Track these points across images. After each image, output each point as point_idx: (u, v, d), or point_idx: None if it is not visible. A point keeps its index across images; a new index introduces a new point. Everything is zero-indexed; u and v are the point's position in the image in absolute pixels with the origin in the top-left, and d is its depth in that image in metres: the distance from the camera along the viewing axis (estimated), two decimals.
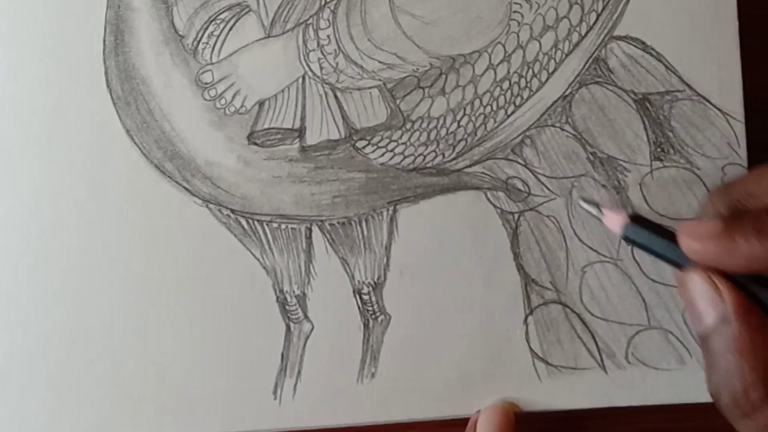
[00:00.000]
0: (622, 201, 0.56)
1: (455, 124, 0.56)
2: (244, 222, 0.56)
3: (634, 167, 0.56)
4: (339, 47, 0.56)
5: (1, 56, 0.56)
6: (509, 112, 0.56)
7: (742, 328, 0.45)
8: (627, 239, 0.52)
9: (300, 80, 0.56)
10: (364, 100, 0.56)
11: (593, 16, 0.56)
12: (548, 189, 0.56)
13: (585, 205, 0.54)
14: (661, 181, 0.56)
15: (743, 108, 0.56)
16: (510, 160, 0.56)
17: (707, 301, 0.46)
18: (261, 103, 0.56)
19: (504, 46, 0.56)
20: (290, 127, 0.56)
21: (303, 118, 0.56)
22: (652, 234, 0.51)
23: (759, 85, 0.57)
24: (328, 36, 0.56)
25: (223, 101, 0.56)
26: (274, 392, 0.56)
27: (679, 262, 0.49)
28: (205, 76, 0.56)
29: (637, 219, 0.52)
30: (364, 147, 0.56)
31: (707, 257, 0.46)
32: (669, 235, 0.50)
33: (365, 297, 0.56)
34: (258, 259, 0.56)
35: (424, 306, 0.56)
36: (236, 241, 0.56)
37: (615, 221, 0.52)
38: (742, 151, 0.56)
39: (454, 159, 0.56)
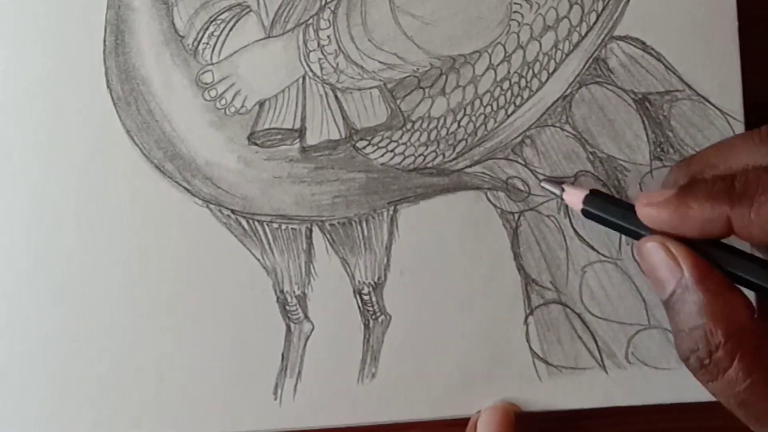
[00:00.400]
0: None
1: (455, 125, 0.56)
2: (244, 222, 0.56)
3: (634, 167, 0.56)
4: (339, 47, 0.56)
5: (1, 56, 0.56)
6: (509, 112, 0.56)
7: (701, 293, 0.46)
8: (586, 212, 0.52)
9: (300, 80, 0.56)
10: (365, 100, 0.56)
11: (593, 16, 0.56)
12: (548, 189, 0.56)
13: (546, 185, 0.55)
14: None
15: (743, 108, 0.56)
16: (510, 160, 0.56)
17: (666, 269, 0.47)
18: (261, 104, 0.56)
19: (504, 47, 0.56)
20: (290, 127, 0.56)
21: (303, 119, 0.56)
22: (611, 206, 0.52)
23: (759, 86, 0.57)
24: (328, 36, 0.56)
25: (223, 101, 0.56)
26: (275, 392, 0.56)
27: (639, 233, 0.49)
28: (206, 76, 0.56)
29: (596, 193, 0.52)
30: (364, 147, 0.56)
31: (663, 223, 0.47)
32: (628, 207, 0.50)
33: (365, 297, 0.56)
34: (258, 260, 0.56)
35: (424, 306, 0.56)
36: (237, 242, 0.56)
37: (574, 197, 0.53)
38: None
39: (454, 159, 0.56)
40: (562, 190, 0.54)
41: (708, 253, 0.47)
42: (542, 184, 0.55)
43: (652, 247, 0.48)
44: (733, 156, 0.47)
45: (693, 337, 0.46)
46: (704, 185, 0.46)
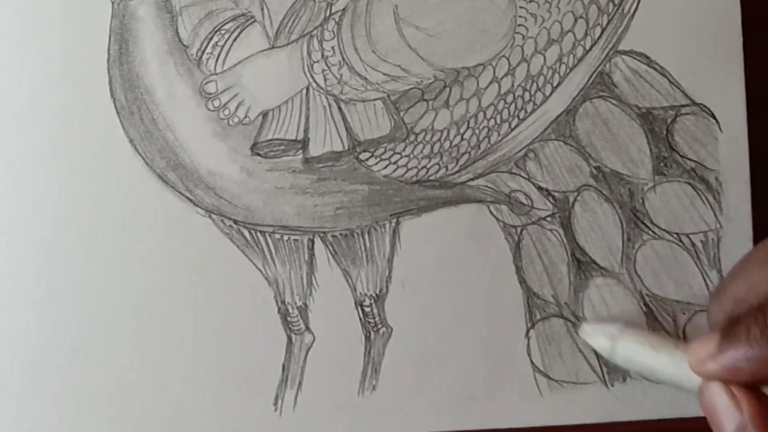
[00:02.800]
0: (625, 215, 0.56)
1: (459, 137, 0.56)
2: (246, 233, 0.56)
3: (637, 181, 0.56)
4: (343, 59, 0.56)
5: (5, 64, 0.56)
6: (513, 126, 0.56)
7: None
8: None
9: (304, 91, 0.56)
10: (368, 111, 0.56)
11: (598, 30, 0.56)
12: (551, 203, 0.56)
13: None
14: (664, 196, 0.56)
15: (746, 123, 0.56)
16: (513, 173, 0.56)
17: (725, 411, 0.46)
18: (264, 114, 0.56)
19: (508, 60, 0.56)
20: (293, 138, 0.56)
21: (306, 130, 0.56)
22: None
23: (759, 86, 0.57)
24: (332, 47, 0.56)
25: (226, 111, 0.56)
26: (275, 403, 0.55)
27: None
28: (209, 86, 0.56)
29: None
30: (367, 159, 0.56)
31: (716, 376, 0.46)
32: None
33: (367, 309, 0.56)
34: (260, 270, 0.56)
35: (425, 319, 0.56)
36: (238, 252, 0.56)
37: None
38: (745, 166, 0.56)
39: (457, 172, 0.56)
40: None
41: None
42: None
43: (714, 389, 0.47)
44: (755, 283, 0.46)
45: None
46: (741, 330, 0.45)
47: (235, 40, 0.56)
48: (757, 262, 0.47)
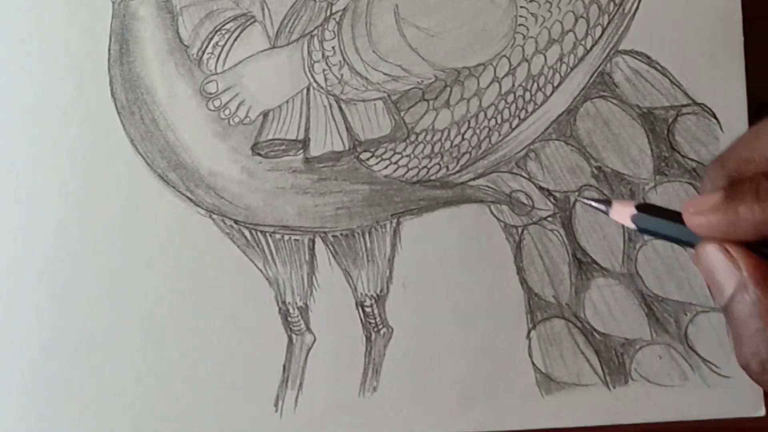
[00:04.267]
0: None
1: (459, 137, 0.56)
2: (247, 233, 0.56)
3: (638, 181, 0.56)
4: (344, 58, 0.56)
5: (6, 64, 0.56)
6: (514, 126, 0.56)
7: (761, 293, 0.45)
8: (639, 228, 0.51)
9: (304, 91, 0.56)
10: (369, 111, 0.56)
11: (599, 30, 0.56)
12: (552, 203, 0.56)
13: (592, 202, 0.54)
14: (665, 196, 0.56)
15: (748, 124, 0.56)
16: (514, 173, 0.56)
17: (724, 271, 0.46)
18: (265, 114, 0.56)
19: (509, 60, 0.56)
20: (294, 138, 0.56)
21: (307, 130, 0.56)
22: (660, 219, 0.50)
23: (760, 86, 0.57)
24: (333, 47, 0.56)
25: (227, 111, 0.56)
26: (276, 404, 0.55)
27: (693, 242, 0.48)
28: (210, 86, 0.56)
29: (643, 207, 0.51)
30: (368, 159, 0.56)
31: (714, 230, 0.46)
32: (677, 217, 0.49)
33: (368, 309, 0.56)
34: (261, 270, 0.56)
35: (426, 319, 0.56)
36: (239, 252, 0.56)
37: (623, 213, 0.51)
38: None
39: (458, 172, 0.56)
40: (609, 205, 0.53)
41: (764, 252, 0.47)
42: (586, 201, 0.55)
43: (710, 250, 0.46)
44: (764, 145, 0.47)
45: (754, 341, 0.45)
46: (749, 186, 0.45)
47: (235, 40, 0.56)
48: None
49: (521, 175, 0.56)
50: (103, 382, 0.55)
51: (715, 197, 0.45)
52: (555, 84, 0.56)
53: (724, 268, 0.45)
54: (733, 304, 0.45)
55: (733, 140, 0.48)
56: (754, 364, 0.44)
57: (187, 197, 0.56)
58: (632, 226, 0.50)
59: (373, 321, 0.56)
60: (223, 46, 0.56)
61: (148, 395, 0.55)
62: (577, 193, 0.56)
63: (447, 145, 0.56)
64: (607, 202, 0.52)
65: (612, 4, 0.56)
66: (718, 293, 0.46)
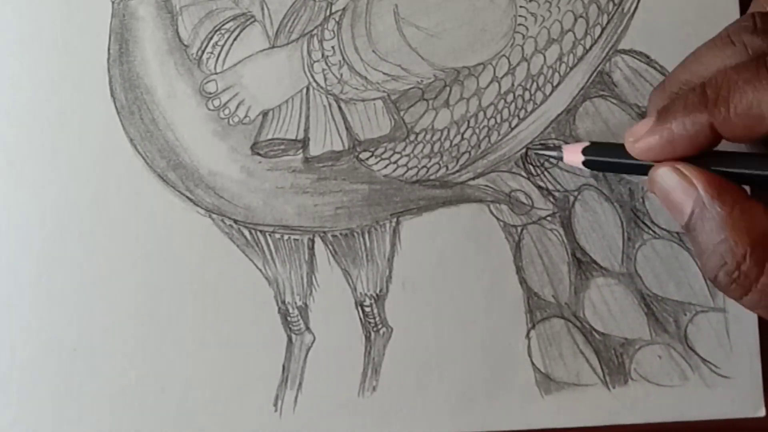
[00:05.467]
0: (626, 214, 0.56)
1: (459, 137, 0.56)
2: (246, 232, 0.56)
3: (637, 180, 0.56)
4: (343, 58, 0.56)
5: (5, 64, 0.56)
6: (513, 125, 0.56)
7: (719, 207, 0.45)
8: (589, 166, 0.52)
9: (304, 91, 0.56)
10: (368, 111, 0.56)
11: (598, 29, 0.56)
12: (551, 202, 0.56)
13: (542, 151, 0.55)
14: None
15: None
16: (513, 173, 0.56)
17: (681, 191, 0.46)
18: (265, 114, 0.56)
19: (508, 59, 0.56)
20: (294, 137, 0.56)
21: (307, 129, 0.56)
22: (610, 151, 0.51)
23: None
24: (332, 47, 0.56)
25: (226, 111, 0.56)
26: (275, 404, 0.55)
27: (645, 171, 0.49)
28: (209, 85, 0.56)
29: (593, 145, 0.52)
30: (367, 158, 0.56)
31: (655, 152, 0.47)
32: (623, 150, 0.50)
33: (367, 309, 0.56)
34: (260, 270, 0.56)
35: (426, 319, 0.56)
36: (239, 252, 0.56)
37: (574, 152, 0.52)
38: None
39: (457, 171, 0.56)
40: (560, 151, 0.53)
41: (718, 166, 0.47)
42: (538, 152, 0.55)
43: (663, 173, 0.47)
44: (702, 67, 0.48)
45: (718, 253, 0.45)
46: (679, 102, 0.46)
47: (235, 39, 0.56)
48: (706, 47, 0.48)
49: (521, 175, 0.56)
50: (102, 381, 0.55)
51: (650, 120, 0.47)
52: (554, 83, 0.56)
53: (679, 187, 0.46)
54: (693, 221, 0.46)
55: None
56: (722, 276, 0.45)
57: (187, 197, 0.56)
58: (584, 168, 0.51)
59: (372, 321, 0.56)
60: (223, 46, 0.56)
61: (147, 395, 0.55)
62: (576, 193, 0.56)
63: (446, 144, 0.56)
64: (558, 148, 0.52)
65: (611, 3, 0.56)
66: (678, 213, 0.47)
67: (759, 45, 0.46)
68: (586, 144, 0.52)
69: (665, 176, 0.47)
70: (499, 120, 0.56)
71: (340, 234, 0.56)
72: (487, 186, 0.56)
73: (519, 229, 0.56)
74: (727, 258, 0.45)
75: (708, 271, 0.46)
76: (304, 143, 0.56)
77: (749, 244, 0.45)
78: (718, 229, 0.45)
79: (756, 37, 0.46)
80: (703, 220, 0.46)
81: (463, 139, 0.56)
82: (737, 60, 0.46)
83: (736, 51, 0.46)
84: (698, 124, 0.45)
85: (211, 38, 0.56)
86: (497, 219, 0.56)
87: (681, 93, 0.47)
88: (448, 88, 0.56)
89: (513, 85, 0.56)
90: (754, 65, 0.44)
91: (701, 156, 0.47)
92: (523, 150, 0.56)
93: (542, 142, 0.56)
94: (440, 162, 0.56)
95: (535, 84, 0.56)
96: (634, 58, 0.57)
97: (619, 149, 0.50)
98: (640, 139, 0.48)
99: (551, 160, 0.55)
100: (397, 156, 0.56)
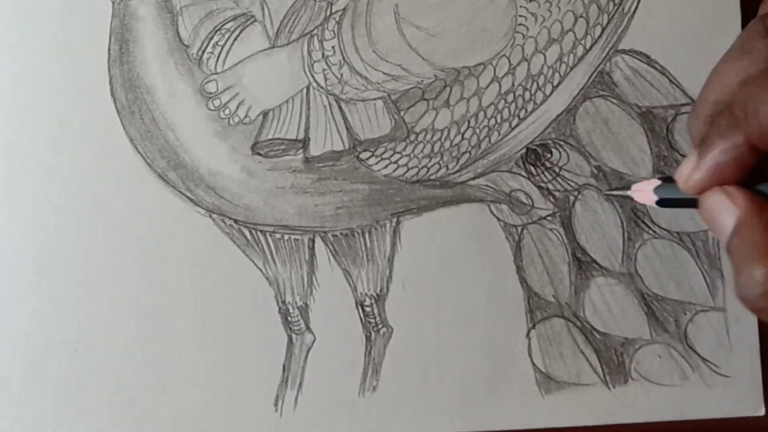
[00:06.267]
0: (626, 214, 0.56)
1: (459, 137, 0.56)
2: (247, 232, 0.56)
3: (637, 180, 0.56)
4: (344, 58, 0.56)
5: (6, 64, 0.56)
6: (513, 125, 0.56)
7: (758, 227, 0.45)
8: (662, 204, 0.51)
9: (304, 91, 0.56)
10: (369, 111, 0.56)
11: (598, 29, 0.56)
12: (552, 202, 0.56)
13: (615, 193, 0.54)
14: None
15: None
16: (514, 173, 0.56)
17: (723, 211, 0.46)
18: (265, 114, 0.56)
19: (509, 59, 0.56)
20: (294, 137, 0.56)
21: (307, 129, 0.56)
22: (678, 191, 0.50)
23: None
24: (332, 47, 0.56)
25: (227, 111, 0.56)
26: (276, 404, 0.55)
27: None
28: (210, 85, 0.56)
29: (664, 182, 0.51)
30: (367, 158, 0.56)
31: (704, 186, 0.47)
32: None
33: (367, 309, 0.56)
34: (260, 270, 0.56)
35: (426, 319, 0.56)
36: (239, 252, 0.56)
37: (644, 192, 0.51)
38: None
39: (457, 171, 0.56)
40: (630, 190, 0.53)
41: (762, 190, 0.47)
42: (608, 192, 0.55)
43: (710, 195, 0.47)
44: (725, 83, 0.47)
45: (751, 272, 0.45)
46: (714, 130, 0.46)
47: (235, 39, 0.56)
48: (724, 63, 0.48)
49: (521, 175, 0.56)
50: (102, 382, 0.55)
51: (692, 158, 0.47)
52: (554, 83, 0.56)
53: (723, 208, 0.46)
54: (732, 240, 0.46)
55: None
56: (752, 295, 0.45)
57: (187, 197, 0.56)
58: (656, 206, 0.50)
59: (372, 320, 0.56)
60: (223, 46, 0.56)
61: (147, 395, 0.55)
62: (577, 193, 0.56)
63: (447, 144, 0.56)
64: (628, 188, 0.51)
65: (611, 3, 0.56)
66: (720, 233, 0.46)
67: None
68: (657, 183, 0.51)
69: (710, 198, 0.47)
70: (499, 120, 0.56)
71: (341, 234, 0.56)
72: (487, 186, 0.56)
73: (519, 228, 0.56)
74: (760, 277, 0.45)
75: (740, 288, 0.45)
76: (305, 143, 0.56)
77: None
78: (754, 247, 0.45)
79: None
80: (742, 239, 0.45)
81: (463, 139, 0.56)
82: (757, 68, 0.46)
83: (753, 59, 0.46)
84: (737, 147, 0.45)
85: (212, 38, 0.56)
86: (497, 219, 0.56)
87: (714, 119, 0.47)
88: (448, 88, 0.56)
89: (513, 85, 0.56)
90: None
91: (752, 178, 0.47)
92: (524, 150, 0.57)
93: (617, 186, 0.56)
94: (440, 162, 0.56)
95: (535, 84, 0.56)
96: (635, 58, 0.57)
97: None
98: (689, 178, 0.47)
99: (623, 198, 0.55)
100: (397, 156, 0.56)
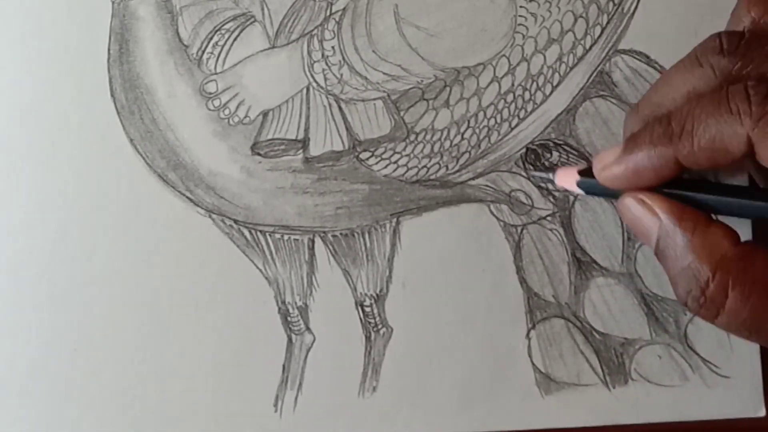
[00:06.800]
0: None
1: (459, 137, 0.56)
2: (246, 232, 0.56)
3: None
4: (343, 58, 0.56)
5: (5, 64, 0.56)
6: (513, 125, 0.56)
7: (681, 233, 0.46)
8: (585, 191, 0.51)
9: (304, 91, 0.56)
10: (368, 111, 0.56)
11: (598, 29, 0.56)
12: (551, 202, 0.56)
13: (536, 173, 0.55)
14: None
15: None
16: (513, 173, 0.56)
17: (645, 219, 0.47)
18: (265, 114, 0.56)
19: (508, 59, 0.56)
20: (294, 137, 0.56)
21: (307, 129, 0.56)
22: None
23: None
24: (332, 47, 0.56)
25: (227, 111, 0.56)
26: (275, 404, 0.55)
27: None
28: (210, 85, 0.56)
29: (587, 171, 0.51)
30: (367, 158, 0.56)
31: (622, 182, 0.48)
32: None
33: (367, 309, 0.56)
34: (260, 270, 0.56)
35: (426, 319, 0.56)
36: (239, 252, 0.56)
37: (567, 178, 0.52)
38: None
39: (457, 171, 0.56)
40: (553, 172, 0.53)
41: (678, 193, 0.47)
42: (532, 173, 0.56)
43: (629, 203, 0.48)
44: (672, 89, 0.48)
45: (684, 278, 0.46)
46: (645, 133, 0.47)
47: (235, 39, 0.56)
48: (676, 69, 0.48)
49: (521, 175, 0.56)
50: (103, 382, 0.55)
51: (616, 150, 0.48)
52: (554, 83, 0.56)
53: (644, 217, 0.47)
54: (661, 248, 0.46)
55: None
56: (690, 301, 0.46)
57: (187, 197, 0.56)
58: (578, 190, 0.51)
59: (372, 321, 0.56)
60: (223, 46, 0.56)
61: (148, 395, 0.55)
62: (577, 197, 0.56)
63: (446, 144, 0.56)
64: (552, 170, 0.52)
65: (611, 3, 0.56)
66: (647, 240, 0.48)
67: (725, 66, 0.46)
68: (582, 167, 0.52)
69: (630, 206, 0.48)
70: (499, 120, 0.56)
71: (341, 234, 0.56)
72: (487, 186, 0.56)
73: (519, 229, 0.56)
74: (692, 284, 0.45)
75: (678, 296, 0.47)
76: (305, 143, 0.56)
77: (712, 268, 0.45)
78: (683, 254, 0.46)
79: (722, 59, 0.46)
80: (668, 247, 0.46)
81: (463, 139, 0.56)
82: (705, 82, 0.46)
83: (703, 73, 0.47)
84: (663, 158, 0.46)
85: (212, 38, 0.56)
86: (497, 219, 0.56)
87: (648, 122, 0.48)
88: (448, 88, 0.56)
89: (513, 85, 0.56)
90: (717, 95, 0.45)
91: (666, 184, 0.47)
92: (523, 150, 0.57)
93: (540, 166, 0.56)
94: (440, 162, 0.56)
95: (535, 84, 0.56)
96: (634, 58, 0.57)
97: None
98: (607, 168, 0.48)
99: (545, 180, 0.55)
100: (397, 156, 0.56)
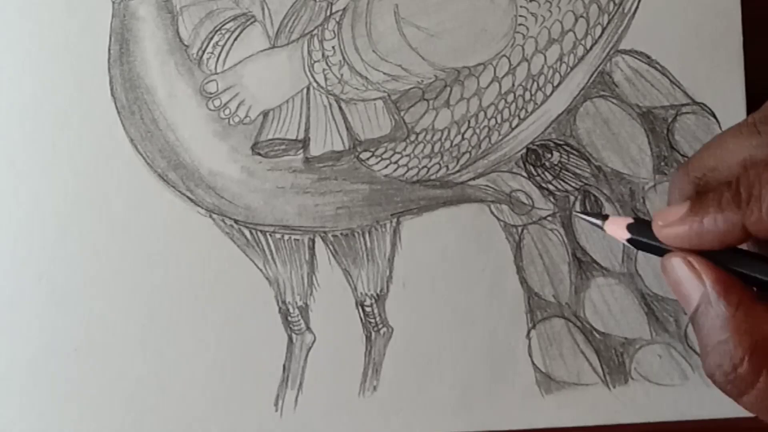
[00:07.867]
0: (626, 214, 0.56)
1: (459, 137, 0.56)
2: (247, 232, 0.56)
3: (638, 180, 0.56)
4: (344, 58, 0.56)
5: (6, 64, 0.56)
6: (513, 125, 0.56)
7: (723, 306, 0.45)
8: (632, 241, 0.51)
9: (304, 91, 0.56)
10: (369, 111, 0.56)
11: (598, 29, 0.56)
12: (552, 202, 0.56)
13: (586, 216, 0.54)
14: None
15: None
16: (514, 173, 0.56)
17: (689, 283, 0.46)
18: (265, 114, 0.56)
19: (509, 59, 0.56)
20: (294, 137, 0.56)
21: (307, 129, 0.56)
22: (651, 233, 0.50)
23: (759, 85, 0.57)
24: (333, 47, 0.56)
25: (227, 111, 0.56)
26: (276, 404, 0.55)
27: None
28: (210, 85, 0.56)
29: (638, 222, 0.51)
30: (368, 158, 0.56)
31: (682, 241, 0.47)
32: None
33: (368, 309, 0.56)
34: (261, 270, 0.56)
35: (426, 319, 0.56)
36: (239, 252, 0.56)
37: (617, 230, 0.51)
38: None
39: (458, 171, 0.56)
40: (604, 220, 0.53)
41: (732, 264, 0.47)
42: (580, 215, 0.55)
43: (675, 263, 0.47)
44: (727, 154, 0.47)
45: (717, 352, 0.45)
46: (713, 198, 0.46)
47: (235, 39, 0.56)
48: (732, 135, 0.47)
49: (521, 175, 0.56)
50: (103, 381, 0.55)
51: (682, 209, 0.46)
52: (555, 83, 0.56)
53: (688, 280, 0.46)
54: (697, 316, 0.46)
55: (698, 150, 0.49)
56: (719, 375, 0.45)
57: (187, 197, 0.56)
58: (626, 242, 0.50)
59: (373, 320, 0.56)
60: (223, 46, 0.56)
61: (148, 395, 0.55)
62: (574, 203, 0.56)
63: (447, 144, 0.56)
64: (603, 217, 0.51)
65: (612, 3, 0.56)
66: (686, 304, 0.46)
67: None
68: (630, 221, 0.51)
69: (676, 267, 0.47)
70: (499, 120, 0.56)
71: (341, 234, 0.56)
72: (487, 186, 0.56)
73: (519, 229, 0.56)
74: (724, 359, 0.44)
75: (706, 367, 0.46)
76: (305, 143, 0.56)
77: (749, 348, 0.44)
78: (721, 328, 0.45)
79: None
80: (707, 317, 0.45)
81: (463, 139, 0.56)
82: (763, 150, 0.46)
83: (762, 141, 0.46)
84: (730, 223, 0.45)
85: (212, 38, 0.56)
86: (498, 219, 0.56)
87: (711, 183, 0.47)
88: (448, 88, 0.56)
89: (513, 85, 0.56)
90: None
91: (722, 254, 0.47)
92: (524, 150, 0.57)
93: (588, 210, 0.56)
94: (441, 162, 0.56)
95: (535, 84, 0.56)
96: (635, 58, 0.57)
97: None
98: (669, 226, 0.47)
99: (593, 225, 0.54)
100: (397, 156, 0.56)
